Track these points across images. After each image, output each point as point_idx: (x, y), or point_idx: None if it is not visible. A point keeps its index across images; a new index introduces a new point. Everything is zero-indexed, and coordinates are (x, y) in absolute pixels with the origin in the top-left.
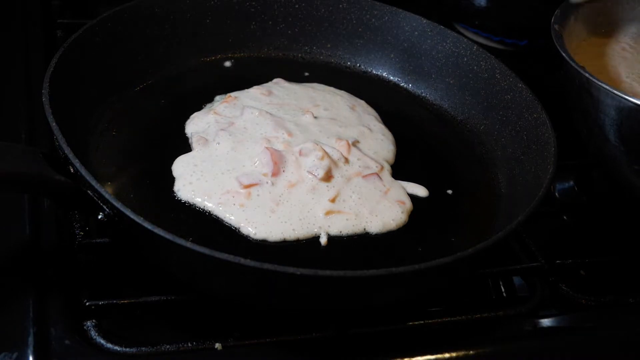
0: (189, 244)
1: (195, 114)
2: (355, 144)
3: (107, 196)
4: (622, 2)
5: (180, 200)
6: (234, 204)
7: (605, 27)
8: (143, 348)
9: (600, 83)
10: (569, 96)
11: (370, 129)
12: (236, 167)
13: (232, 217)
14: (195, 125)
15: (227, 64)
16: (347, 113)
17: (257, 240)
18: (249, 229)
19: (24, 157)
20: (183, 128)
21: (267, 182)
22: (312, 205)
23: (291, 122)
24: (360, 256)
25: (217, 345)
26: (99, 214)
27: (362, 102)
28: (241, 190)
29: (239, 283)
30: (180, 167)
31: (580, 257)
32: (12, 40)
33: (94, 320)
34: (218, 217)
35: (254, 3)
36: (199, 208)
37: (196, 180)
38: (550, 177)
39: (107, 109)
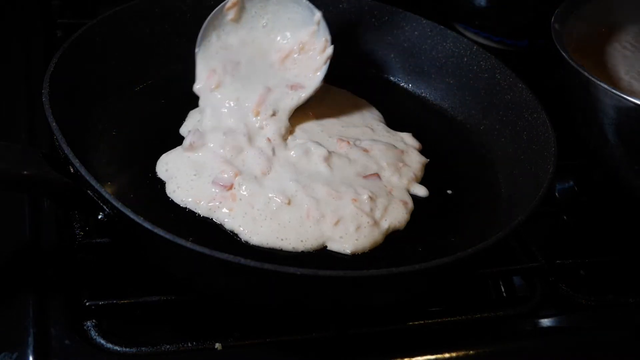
0: (189, 244)
1: (192, 111)
2: (357, 144)
3: (107, 196)
4: (623, 2)
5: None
6: (224, 210)
7: (606, 27)
8: (143, 348)
9: (599, 82)
10: (569, 96)
11: (372, 129)
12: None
13: (226, 220)
14: (189, 124)
15: None
16: (350, 112)
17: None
18: (245, 232)
19: (24, 157)
20: None
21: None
22: None
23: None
24: (360, 256)
25: (217, 345)
26: (99, 214)
27: (364, 101)
28: (225, 193)
29: (239, 283)
30: (165, 169)
31: (580, 257)
32: (12, 40)
33: (94, 320)
34: (214, 220)
35: None
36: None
37: (185, 183)
38: (550, 177)
39: (107, 108)
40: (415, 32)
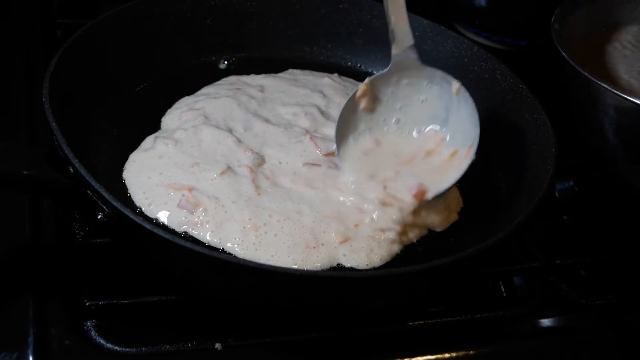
0: (188, 245)
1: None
2: None
3: (107, 196)
4: (623, 2)
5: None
6: (199, 233)
7: (606, 27)
8: (143, 348)
9: (599, 82)
10: (569, 96)
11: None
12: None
13: (208, 239)
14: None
15: (227, 64)
16: None
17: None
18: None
19: (24, 157)
20: None
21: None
22: None
23: None
24: None
25: (217, 345)
26: (99, 214)
27: None
28: (190, 216)
29: (238, 283)
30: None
31: (580, 257)
32: (12, 40)
33: (94, 320)
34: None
35: (254, 3)
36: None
37: (151, 205)
38: (550, 177)
39: (107, 109)
40: (416, 33)
